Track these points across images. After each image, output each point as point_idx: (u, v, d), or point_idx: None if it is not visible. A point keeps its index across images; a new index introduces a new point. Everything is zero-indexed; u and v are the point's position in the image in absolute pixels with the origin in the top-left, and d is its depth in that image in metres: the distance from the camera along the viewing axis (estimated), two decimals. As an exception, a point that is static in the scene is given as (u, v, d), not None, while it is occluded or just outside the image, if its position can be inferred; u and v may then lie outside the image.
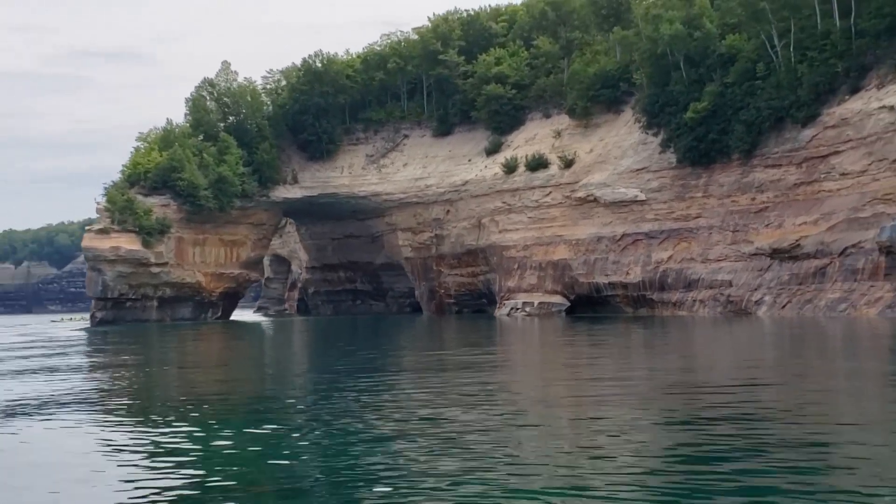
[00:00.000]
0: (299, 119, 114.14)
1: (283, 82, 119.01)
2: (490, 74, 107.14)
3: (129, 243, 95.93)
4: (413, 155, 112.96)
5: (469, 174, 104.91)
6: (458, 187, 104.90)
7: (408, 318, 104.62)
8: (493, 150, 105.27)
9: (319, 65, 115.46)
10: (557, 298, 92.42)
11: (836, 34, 78.18)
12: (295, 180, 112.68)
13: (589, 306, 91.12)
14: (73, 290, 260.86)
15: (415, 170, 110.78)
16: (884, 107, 71.95)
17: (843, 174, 73.52)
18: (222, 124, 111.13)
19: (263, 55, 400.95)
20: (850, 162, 73.24)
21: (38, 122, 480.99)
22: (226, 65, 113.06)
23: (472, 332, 63.00)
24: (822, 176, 75.25)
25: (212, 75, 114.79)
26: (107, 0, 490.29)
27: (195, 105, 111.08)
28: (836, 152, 74.52)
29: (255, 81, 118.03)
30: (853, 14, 77.21)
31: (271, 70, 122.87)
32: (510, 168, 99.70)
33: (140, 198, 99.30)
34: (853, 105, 74.93)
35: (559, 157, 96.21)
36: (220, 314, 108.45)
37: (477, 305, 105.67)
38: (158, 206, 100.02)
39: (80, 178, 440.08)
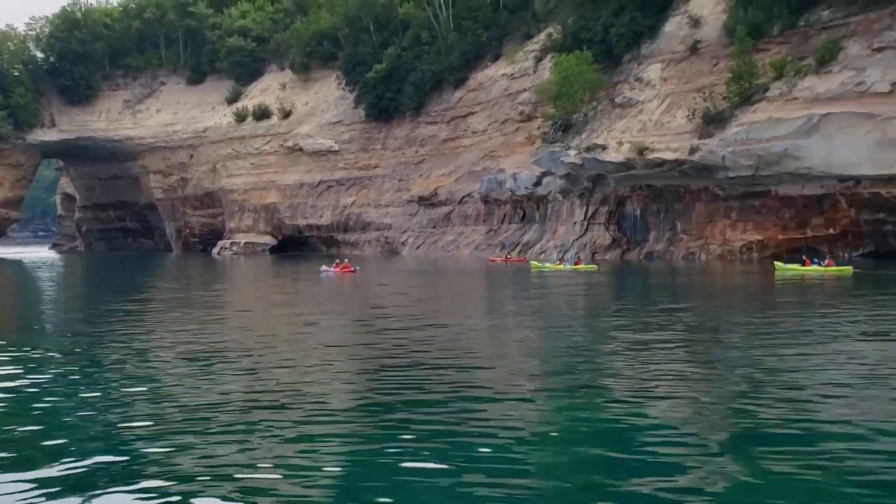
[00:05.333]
0: (58, 65, 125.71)
1: (47, 29, 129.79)
2: (234, 27, 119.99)
3: None
4: (167, 101, 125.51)
5: (210, 121, 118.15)
6: (200, 133, 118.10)
7: (159, 255, 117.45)
8: (233, 100, 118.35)
9: (79, 14, 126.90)
10: (268, 238, 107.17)
11: (485, 7, 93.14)
12: (53, 123, 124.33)
13: (294, 246, 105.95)
14: None
15: (166, 116, 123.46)
16: (504, 74, 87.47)
17: (473, 132, 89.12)
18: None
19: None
20: (478, 122, 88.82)
21: None
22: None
23: (187, 270, 73.64)
24: (461, 133, 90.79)
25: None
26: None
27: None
28: (472, 113, 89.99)
29: (16, 28, 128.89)
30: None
31: (34, 17, 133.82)
32: (241, 117, 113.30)
33: None
34: (490, 71, 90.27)
35: (279, 109, 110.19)
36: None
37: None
38: None
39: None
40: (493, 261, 65.82)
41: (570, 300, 31.83)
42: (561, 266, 50.47)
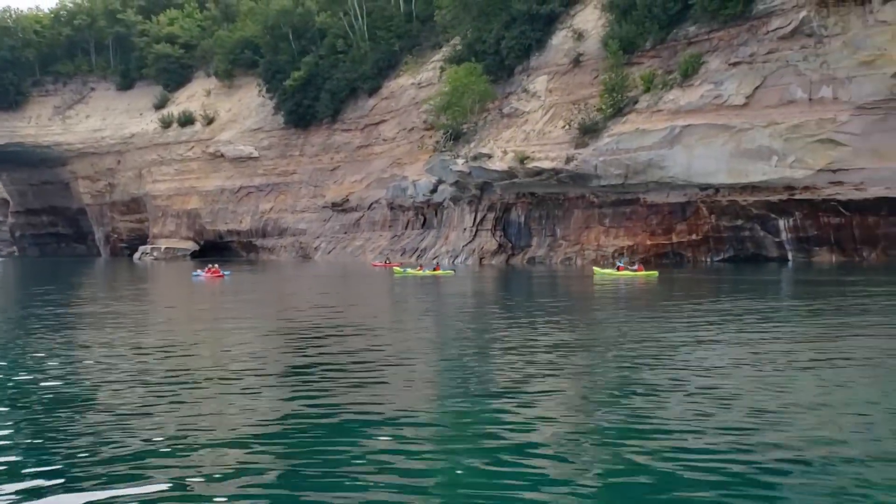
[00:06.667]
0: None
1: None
2: (162, 34, 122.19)
3: None
4: (96, 107, 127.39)
5: (137, 128, 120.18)
6: (127, 139, 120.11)
7: (85, 260, 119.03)
8: (160, 106, 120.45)
9: (10, 21, 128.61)
10: (189, 244, 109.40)
11: (398, 17, 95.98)
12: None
13: (216, 251, 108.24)
14: None
15: (95, 121, 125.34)
16: (412, 83, 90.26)
17: (384, 140, 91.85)
18: None
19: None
20: (388, 130, 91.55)
21: None
22: None
23: (94, 275, 76.10)
24: (373, 141, 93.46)
25: None
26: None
27: None
28: (384, 121, 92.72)
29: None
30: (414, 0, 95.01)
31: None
32: (166, 123, 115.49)
33: None
34: (401, 80, 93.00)
35: (202, 115, 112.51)
36: None
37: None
38: None
39: None
40: (375, 265, 68.58)
41: (400, 300, 34.64)
42: (421, 271, 53.29)
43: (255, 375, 14.95)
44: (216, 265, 56.43)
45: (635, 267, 46.36)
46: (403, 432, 10.33)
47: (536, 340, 19.49)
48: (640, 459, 9.00)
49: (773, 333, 20.12)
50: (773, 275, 48.81)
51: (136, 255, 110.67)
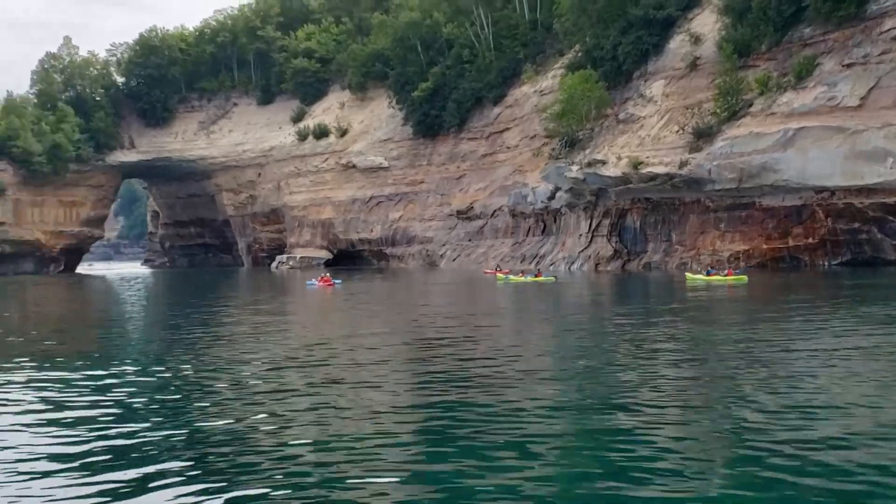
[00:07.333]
0: (137, 89, 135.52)
1: (126, 55, 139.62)
2: (300, 49, 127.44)
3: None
4: (238, 122, 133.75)
5: (276, 141, 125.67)
6: (267, 152, 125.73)
7: (229, 270, 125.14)
8: (297, 119, 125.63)
9: (157, 40, 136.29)
10: (323, 253, 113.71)
11: (523, 25, 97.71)
12: (132, 145, 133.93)
13: (349, 259, 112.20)
14: None
15: (237, 136, 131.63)
16: (535, 91, 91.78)
17: (508, 148, 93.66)
18: (64, 95, 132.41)
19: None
20: (512, 137, 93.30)
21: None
22: (67, 40, 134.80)
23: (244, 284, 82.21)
24: (497, 149, 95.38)
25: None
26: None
27: (40, 77, 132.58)
28: (507, 129, 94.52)
29: (98, 54, 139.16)
30: (538, 8, 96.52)
31: (115, 43, 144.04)
32: (303, 136, 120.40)
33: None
34: (525, 88, 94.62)
35: (336, 127, 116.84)
36: (62, 268, 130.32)
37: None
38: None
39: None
40: (486, 273, 70.41)
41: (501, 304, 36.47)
42: (523, 278, 54.85)
43: (359, 380, 16.22)
44: (328, 274, 59.72)
45: (725, 272, 47.02)
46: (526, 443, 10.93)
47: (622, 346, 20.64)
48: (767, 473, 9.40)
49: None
50: (886, 278, 48.19)
51: (273, 265, 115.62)
